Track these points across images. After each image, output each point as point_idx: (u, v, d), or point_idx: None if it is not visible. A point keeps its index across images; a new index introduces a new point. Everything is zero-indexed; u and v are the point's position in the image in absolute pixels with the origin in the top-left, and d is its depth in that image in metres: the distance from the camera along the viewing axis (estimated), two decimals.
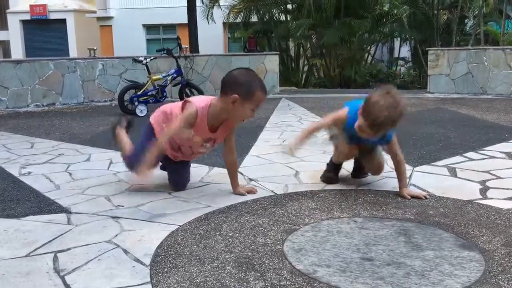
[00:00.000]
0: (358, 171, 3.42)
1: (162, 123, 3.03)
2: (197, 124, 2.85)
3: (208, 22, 15.79)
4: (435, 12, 15.18)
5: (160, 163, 3.25)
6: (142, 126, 3.19)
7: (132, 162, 3.07)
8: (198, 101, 2.88)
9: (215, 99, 2.89)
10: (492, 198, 2.91)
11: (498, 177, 3.35)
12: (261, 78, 2.92)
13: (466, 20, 18.33)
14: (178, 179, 3.21)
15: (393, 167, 3.09)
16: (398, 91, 2.82)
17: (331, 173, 3.32)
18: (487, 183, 3.21)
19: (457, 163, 3.77)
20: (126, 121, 3.53)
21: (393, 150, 3.01)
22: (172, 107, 3.04)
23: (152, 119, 3.11)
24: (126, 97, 7.34)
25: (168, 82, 7.76)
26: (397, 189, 3.06)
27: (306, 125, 5.64)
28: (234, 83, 2.76)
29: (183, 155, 3.11)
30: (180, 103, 3.00)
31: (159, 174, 3.28)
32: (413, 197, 2.92)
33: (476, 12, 16.76)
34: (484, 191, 3.06)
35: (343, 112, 3.04)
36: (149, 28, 22.59)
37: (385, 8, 15.55)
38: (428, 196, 2.93)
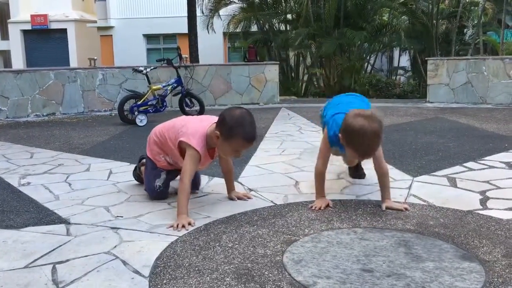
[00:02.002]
0: (356, 171, 3.59)
1: (159, 155, 3.15)
2: (201, 161, 2.90)
3: (208, 32, 15.83)
4: (434, 22, 15.24)
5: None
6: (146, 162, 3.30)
7: (150, 193, 3.22)
8: (196, 143, 2.81)
9: (210, 128, 2.86)
10: (492, 209, 2.90)
11: (498, 187, 3.35)
12: (254, 125, 2.78)
13: (465, 30, 18.41)
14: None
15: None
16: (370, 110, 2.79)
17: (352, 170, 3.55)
18: (487, 193, 3.21)
19: (457, 173, 3.77)
20: (143, 158, 3.51)
21: (378, 161, 2.96)
22: (163, 134, 3.07)
23: (149, 153, 3.21)
24: (126, 107, 7.35)
25: (168, 92, 7.78)
26: (398, 199, 3.06)
27: (306, 135, 5.65)
28: (223, 119, 2.75)
29: None
30: (173, 135, 2.98)
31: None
32: (390, 209, 2.88)
33: (475, 22, 16.86)
34: (484, 201, 3.05)
35: (325, 138, 3.02)
36: (149, 38, 22.67)
37: (385, 18, 15.61)
38: (409, 208, 2.89)
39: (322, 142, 3.06)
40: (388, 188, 2.98)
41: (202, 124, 2.90)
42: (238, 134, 2.70)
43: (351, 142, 2.69)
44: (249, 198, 3.18)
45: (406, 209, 2.88)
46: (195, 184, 3.30)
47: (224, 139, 2.74)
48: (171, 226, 2.65)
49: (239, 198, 3.16)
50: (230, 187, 3.23)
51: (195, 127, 2.89)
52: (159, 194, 3.19)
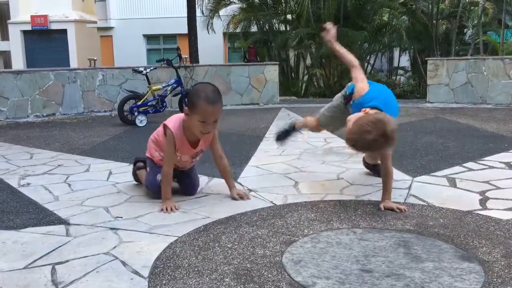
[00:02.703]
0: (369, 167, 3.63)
1: (155, 152, 3.25)
2: (178, 146, 3.04)
3: (208, 32, 15.84)
4: (434, 22, 15.24)
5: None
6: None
7: (151, 187, 3.26)
8: (172, 124, 3.03)
9: (183, 115, 3.03)
10: (491, 209, 2.90)
11: (498, 188, 3.35)
12: (216, 92, 2.90)
13: (465, 30, 18.41)
14: (185, 188, 3.36)
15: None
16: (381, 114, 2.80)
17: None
18: (487, 194, 3.21)
19: (457, 173, 3.77)
20: (138, 161, 3.59)
21: (385, 161, 3.00)
22: (157, 134, 3.25)
23: (148, 153, 3.33)
24: (126, 107, 7.35)
25: (168, 92, 7.78)
26: (398, 200, 3.06)
27: (306, 135, 5.64)
28: (187, 95, 2.95)
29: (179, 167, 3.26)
30: (161, 128, 3.18)
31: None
32: (388, 209, 2.89)
33: (475, 22, 16.85)
34: (483, 201, 3.05)
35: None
36: (149, 38, 22.69)
37: (385, 18, 15.61)
38: (407, 209, 2.88)
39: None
40: (390, 190, 2.98)
41: (179, 116, 3.09)
42: (200, 99, 2.83)
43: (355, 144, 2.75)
44: (247, 199, 3.19)
45: (404, 210, 2.88)
46: (192, 186, 3.34)
47: (190, 112, 2.89)
48: (161, 210, 2.93)
49: (240, 197, 3.18)
50: (229, 185, 3.27)
51: (174, 119, 3.09)
52: (160, 187, 3.20)
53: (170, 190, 3.05)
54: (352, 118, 2.81)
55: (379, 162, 3.31)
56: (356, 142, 2.70)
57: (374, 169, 3.67)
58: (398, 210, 2.86)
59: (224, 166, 3.25)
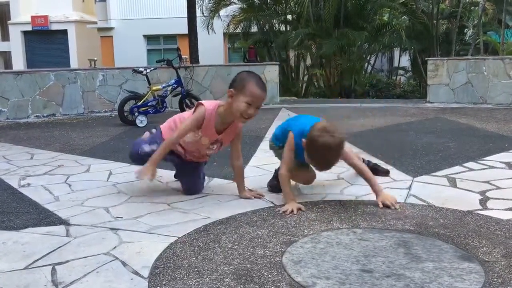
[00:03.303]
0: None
1: (170, 129, 3.19)
2: (205, 125, 3.02)
3: (209, 33, 15.84)
4: (434, 22, 15.24)
5: (174, 171, 3.46)
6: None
7: (133, 149, 3.23)
8: (208, 103, 3.04)
9: (222, 102, 3.06)
10: (492, 209, 2.90)
11: (498, 188, 3.35)
12: (261, 78, 3.03)
13: (465, 30, 18.42)
14: (189, 184, 3.35)
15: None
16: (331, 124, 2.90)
17: (276, 181, 3.31)
18: (487, 194, 3.20)
19: (457, 173, 3.77)
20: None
21: (348, 161, 3.06)
22: (183, 114, 3.24)
23: (162, 126, 3.28)
24: (126, 107, 7.35)
25: (168, 92, 7.78)
26: (398, 200, 3.06)
27: None
28: (233, 81, 2.98)
29: (190, 155, 3.25)
30: (190, 111, 3.17)
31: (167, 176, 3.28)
32: (385, 206, 2.91)
33: (475, 22, 16.85)
34: (484, 201, 3.05)
35: (291, 139, 3.06)
36: (149, 38, 22.69)
37: (385, 18, 15.62)
38: (398, 207, 2.90)
39: (286, 148, 3.06)
40: (375, 182, 3.02)
41: (217, 101, 3.12)
42: (250, 81, 2.90)
43: (313, 155, 2.87)
44: (261, 195, 3.22)
45: (397, 207, 2.89)
46: (194, 189, 3.33)
47: (237, 92, 2.91)
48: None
49: (255, 197, 3.18)
50: (241, 188, 3.25)
51: (211, 101, 3.11)
52: (138, 158, 3.20)
53: (163, 153, 3.04)
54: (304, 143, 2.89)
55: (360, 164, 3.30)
56: (317, 153, 2.83)
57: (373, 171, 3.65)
58: (393, 207, 2.88)
59: (240, 166, 3.25)
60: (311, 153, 2.87)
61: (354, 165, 3.09)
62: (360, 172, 3.11)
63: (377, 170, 3.63)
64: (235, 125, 3.11)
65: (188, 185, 3.34)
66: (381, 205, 2.91)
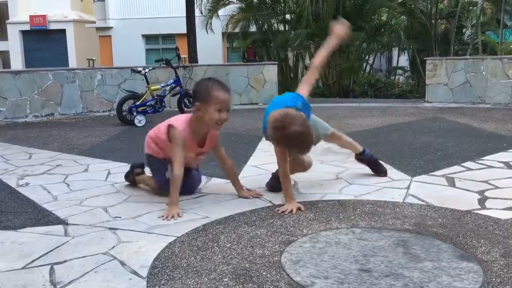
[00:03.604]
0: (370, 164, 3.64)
1: (157, 148, 3.23)
2: (186, 144, 3.03)
3: (207, 32, 15.83)
4: (433, 21, 15.24)
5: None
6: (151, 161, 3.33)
7: (163, 186, 3.21)
8: (179, 124, 3.04)
9: (188, 116, 3.08)
10: (490, 208, 2.90)
11: (497, 187, 3.35)
12: (220, 81, 3.07)
13: (464, 30, 18.44)
14: (183, 185, 3.30)
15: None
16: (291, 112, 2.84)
17: (275, 181, 3.32)
18: (486, 193, 3.21)
19: (456, 173, 3.77)
20: (136, 167, 3.57)
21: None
22: (158, 132, 3.21)
23: (149, 150, 3.29)
24: (125, 107, 7.34)
25: (167, 92, 7.77)
26: (396, 199, 3.06)
27: None
28: (194, 92, 3.04)
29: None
30: (163, 127, 3.15)
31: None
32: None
33: (474, 22, 16.86)
34: (482, 201, 3.05)
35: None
36: (148, 38, 22.66)
37: (383, 18, 15.61)
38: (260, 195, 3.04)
39: (274, 147, 3.04)
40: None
41: (186, 116, 3.12)
42: (211, 88, 2.92)
43: (283, 146, 2.91)
44: (260, 195, 3.24)
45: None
46: (191, 186, 3.34)
47: (204, 104, 2.93)
48: (162, 216, 2.84)
49: (253, 196, 3.21)
50: (237, 187, 3.28)
51: (180, 119, 3.11)
52: (190, 187, 3.27)
53: (177, 195, 2.96)
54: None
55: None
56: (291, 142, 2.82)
57: (373, 167, 3.69)
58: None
59: (230, 167, 3.29)
60: (281, 147, 2.91)
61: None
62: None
63: (377, 167, 3.64)
64: (212, 133, 3.15)
65: (182, 189, 3.29)
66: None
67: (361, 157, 3.68)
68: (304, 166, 3.33)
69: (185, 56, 11.49)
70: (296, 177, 3.71)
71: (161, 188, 3.26)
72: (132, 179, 3.54)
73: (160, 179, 3.24)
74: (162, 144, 3.17)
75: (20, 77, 8.39)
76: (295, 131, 2.71)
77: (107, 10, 22.15)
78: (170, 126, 3.06)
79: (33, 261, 2.25)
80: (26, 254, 2.32)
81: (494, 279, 1.99)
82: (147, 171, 3.49)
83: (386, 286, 1.94)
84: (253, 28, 16.42)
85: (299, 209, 2.89)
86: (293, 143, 2.79)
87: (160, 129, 3.21)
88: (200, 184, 3.46)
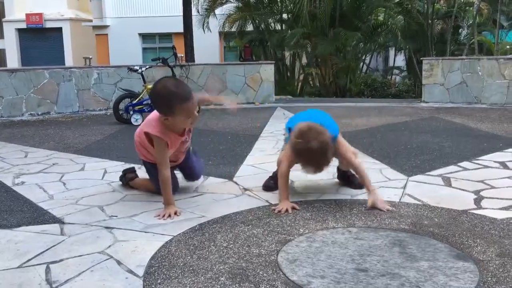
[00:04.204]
0: (344, 178, 3.45)
1: (147, 153, 3.17)
2: (170, 142, 2.99)
3: (204, 31, 15.81)
4: (429, 22, 15.28)
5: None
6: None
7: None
8: (156, 130, 2.93)
9: (157, 117, 2.98)
10: (486, 208, 2.91)
11: (493, 187, 3.36)
12: (180, 84, 2.90)
13: (460, 30, 18.49)
14: (185, 175, 3.43)
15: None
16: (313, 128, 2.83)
17: (272, 181, 3.34)
18: (482, 193, 3.21)
19: (452, 172, 3.78)
20: (129, 172, 3.52)
21: (342, 154, 3.04)
22: (140, 139, 3.16)
23: (143, 157, 3.26)
24: (121, 106, 7.32)
25: None
26: (393, 199, 3.07)
27: None
28: (156, 105, 2.93)
29: (175, 158, 3.24)
30: (142, 135, 3.10)
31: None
32: (374, 207, 2.88)
33: (470, 22, 16.91)
34: (478, 201, 3.06)
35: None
36: (145, 37, 22.62)
37: (380, 18, 15.65)
38: (391, 209, 2.87)
39: (288, 147, 3.04)
40: (368, 181, 3.00)
41: (156, 119, 3.00)
42: (175, 102, 2.79)
43: (298, 158, 2.90)
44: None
45: (388, 210, 2.86)
46: (193, 174, 3.40)
47: (172, 116, 2.85)
48: (158, 215, 2.82)
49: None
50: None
51: (148, 118, 3.07)
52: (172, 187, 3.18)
53: (171, 195, 2.96)
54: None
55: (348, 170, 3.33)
56: (307, 157, 2.82)
57: (348, 181, 3.45)
58: (385, 210, 2.85)
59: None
60: (296, 158, 2.91)
61: (351, 163, 3.06)
62: (358, 169, 3.05)
63: (351, 180, 3.42)
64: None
65: (186, 177, 3.42)
66: (369, 205, 2.89)
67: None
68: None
69: (182, 55, 11.48)
70: (293, 176, 3.72)
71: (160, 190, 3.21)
72: (126, 184, 3.47)
73: (156, 183, 3.14)
74: (150, 149, 3.11)
75: (16, 75, 8.35)
76: (317, 145, 2.73)
77: (104, 9, 22.10)
78: (147, 134, 3.01)
79: (29, 260, 2.24)
80: (22, 253, 2.31)
81: (490, 278, 1.99)
82: (140, 173, 3.47)
83: (382, 285, 1.94)
84: (250, 28, 16.43)
85: (293, 208, 2.89)
86: (311, 159, 2.81)
87: (141, 138, 3.14)
88: (203, 170, 3.52)
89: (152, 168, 3.18)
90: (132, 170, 3.51)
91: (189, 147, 3.34)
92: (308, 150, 2.76)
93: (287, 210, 2.86)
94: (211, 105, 7.57)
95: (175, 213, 2.84)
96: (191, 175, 3.43)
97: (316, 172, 3.00)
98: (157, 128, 2.94)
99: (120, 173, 3.59)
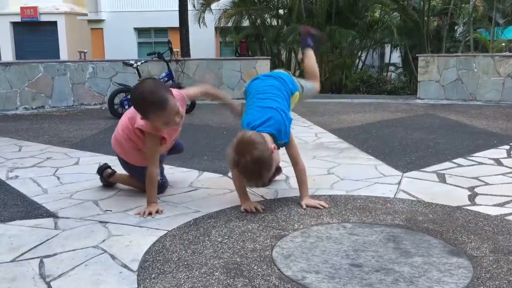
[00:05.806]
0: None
1: (136, 155, 3.08)
2: (162, 136, 2.94)
3: (200, 26, 15.75)
4: (425, 19, 15.29)
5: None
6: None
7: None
8: (149, 127, 2.84)
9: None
10: (480, 205, 2.92)
11: (487, 184, 3.37)
12: (157, 89, 2.70)
13: (456, 27, 18.52)
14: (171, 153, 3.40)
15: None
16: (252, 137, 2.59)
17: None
18: (476, 189, 3.23)
19: (446, 169, 3.79)
20: (104, 169, 3.38)
21: (294, 159, 2.92)
22: (126, 135, 3.05)
23: (128, 160, 3.14)
24: (116, 100, 7.30)
25: None
26: (387, 195, 3.08)
27: (296, 130, 5.64)
28: (135, 109, 2.84)
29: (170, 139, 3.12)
30: (127, 123, 3.02)
31: None
32: (308, 206, 2.83)
33: (466, 19, 16.94)
34: (472, 197, 3.07)
35: None
36: (140, 31, 22.53)
37: (376, 15, 15.64)
38: (326, 206, 2.84)
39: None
40: (306, 184, 2.93)
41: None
42: (151, 113, 2.69)
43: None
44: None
45: (323, 206, 2.83)
46: (177, 150, 3.39)
47: (151, 122, 2.78)
48: (139, 213, 2.75)
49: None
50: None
51: (142, 120, 2.88)
52: (161, 187, 3.13)
53: (156, 193, 2.88)
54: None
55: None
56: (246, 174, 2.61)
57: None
58: (321, 207, 2.82)
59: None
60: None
61: (297, 163, 2.93)
62: (300, 173, 2.93)
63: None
64: None
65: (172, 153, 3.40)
66: (304, 207, 2.83)
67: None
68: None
69: (178, 50, 11.45)
70: (287, 172, 3.71)
71: (141, 182, 3.10)
72: (107, 181, 3.35)
73: (140, 177, 3.04)
74: (140, 144, 3.01)
75: (10, 69, 8.30)
76: (249, 161, 2.50)
77: (99, 3, 21.99)
78: (141, 131, 2.91)
79: (22, 254, 2.23)
80: (15, 247, 2.30)
81: (483, 274, 2.00)
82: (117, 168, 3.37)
83: (377, 281, 1.94)
84: (246, 23, 16.38)
85: (256, 207, 2.79)
86: (246, 176, 2.62)
87: (129, 134, 3.03)
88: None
89: (137, 169, 3.09)
90: (106, 167, 3.36)
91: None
92: (242, 167, 2.55)
93: (255, 208, 2.78)
94: (206, 100, 7.55)
95: (157, 212, 2.76)
96: (175, 148, 3.31)
97: (258, 186, 2.92)
98: (150, 126, 2.84)
99: (114, 168, 3.53)
